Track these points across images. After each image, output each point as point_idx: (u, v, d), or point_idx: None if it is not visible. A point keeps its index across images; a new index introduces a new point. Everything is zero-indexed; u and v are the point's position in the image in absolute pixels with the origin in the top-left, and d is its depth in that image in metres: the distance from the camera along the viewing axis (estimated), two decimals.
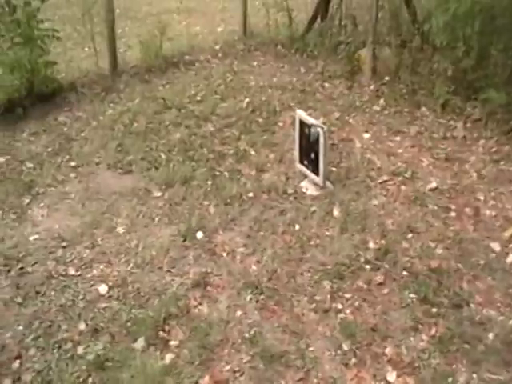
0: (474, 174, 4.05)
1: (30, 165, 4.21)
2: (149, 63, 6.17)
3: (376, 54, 5.65)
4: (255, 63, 6.39)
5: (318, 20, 6.74)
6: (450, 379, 2.51)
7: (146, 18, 8.09)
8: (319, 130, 3.78)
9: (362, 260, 3.23)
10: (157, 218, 3.59)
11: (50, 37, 5.65)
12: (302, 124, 3.97)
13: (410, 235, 3.43)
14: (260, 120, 4.91)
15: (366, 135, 4.61)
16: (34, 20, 5.56)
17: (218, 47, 6.87)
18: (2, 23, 5.52)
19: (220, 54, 6.65)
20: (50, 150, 4.42)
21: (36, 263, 3.20)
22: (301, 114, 4.03)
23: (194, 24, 7.75)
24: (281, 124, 4.84)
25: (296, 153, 4.09)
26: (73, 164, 4.20)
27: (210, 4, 9.02)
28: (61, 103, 5.27)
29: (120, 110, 5.04)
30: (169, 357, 2.62)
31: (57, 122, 4.91)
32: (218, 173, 4.08)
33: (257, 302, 2.96)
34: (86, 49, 6.51)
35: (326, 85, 5.64)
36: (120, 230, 3.48)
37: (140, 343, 2.68)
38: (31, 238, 3.41)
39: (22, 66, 5.38)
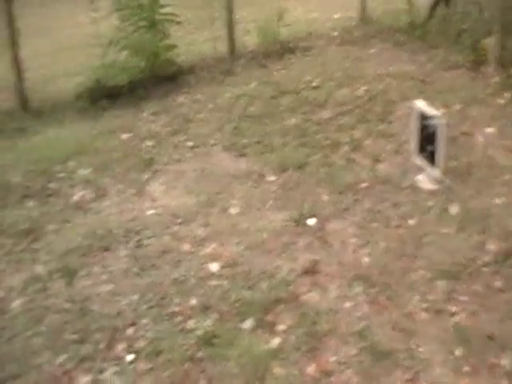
0: None
1: (150, 143, 4.39)
2: (266, 48, 6.23)
3: (503, 44, 5.30)
4: (373, 50, 6.24)
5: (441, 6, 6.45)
6: None
7: (264, 3, 8.13)
8: (438, 121, 3.61)
9: (481, 262, 3.05)
10: (269, 202, 3.61)
11: (171, 21, 5.85)
12: (421, 115, 3.81)
13: None
14: (377, 109, 4.79)
15: (489, 130, 4.34)
16: (157, 5, 5.79)
17: (335, 34, 6.79)
18: (128, 8, 5.78)
19: (337, 41, 6.57)
20: (168, 129, 4.58)
21: (152, 237, 3.34)
22: (419, 104, 3.87)
23: (311, 10, 7.70)
24: (398, 114, 4.68)
25: (413, 144, 3.94)
26: (190, 144, 4.33)
27: None
28: (180, 85, 5.45)
29: (237, 94, 5.12)
30: (275, 341, 2.62)
31: (176, 103, 5.08)
32: (332, 160, 4.03)
33: (367, 295, 2.88)
34: (205, 33, 6.66)
35: (447, 75, 5.39)
36: (233, 211, 3.53)
37: (248, 324, 2.71)
38: (149, 213, 3.56)
39: (144, 49, 5.62)
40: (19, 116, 5.26)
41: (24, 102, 5.45)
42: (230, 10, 6.30)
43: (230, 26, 6.28)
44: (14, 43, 5.40)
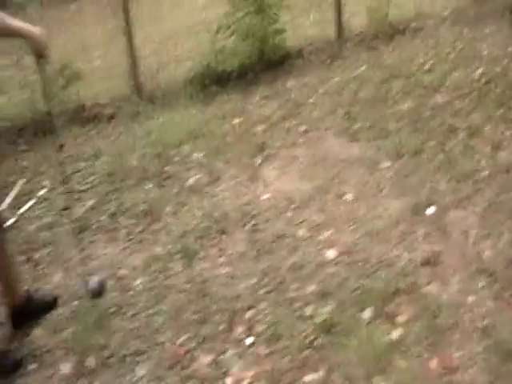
0: None
1: (262, 127, 4.42)
2: (374, 30, 6.06)
3: None
4: (487, 31, 5.91)
5: None
6: None
7: None
8: None
9: None
10: (385, 189, 3.53)
11: (279, 5, 5.83)
12: None
13: None
14: (495, 92, 4.54)
15: None
16: None
17: (446, 13, 6.48)
18: None
19: (448, 21, 6.27)
20: (279, 113, 4.59)
21: (268, 221, 3.37)
22: None
23: None
24: None
25: None
26: (302, 129, 4.32)
27: None
28: (289, 69, 5.44)
29: (347, 78, 5.04)
30: (396, 333, 2.57)
31: (285, 88, 5.07)
32: (449, 147, 3.87)
33: (490, 290, 2.75)
34: (312, 16, 6.58)
35: None
36: (348, 197, 3.49)
37: (367, 314, 2.67)
38: (263, 198, 3.60)
39: (254, 34, 5.65)
40: (134, 101, 5.47)
41: (138, 88, 5.67)
42: None
43: (338, 8, 6.17)
44: (128, 31, 5.61)
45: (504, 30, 5.83)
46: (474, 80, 4.76)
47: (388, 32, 6.00)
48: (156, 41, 6.89)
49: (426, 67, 5.09)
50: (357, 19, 6.41)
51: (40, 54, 2.70)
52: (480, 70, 4.90)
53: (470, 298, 2.72)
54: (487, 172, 3.58)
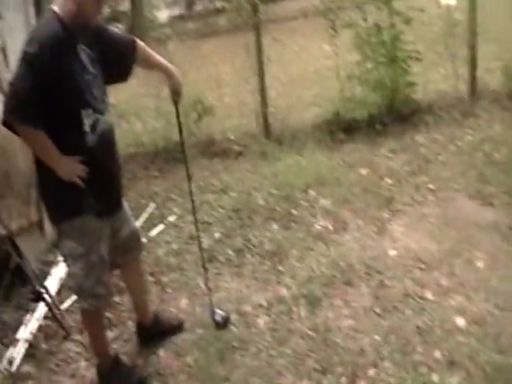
0: None
1: (389, 181, 4.43)
2: (510, 89, 5.89)
3: None
4: None
5: None
6: None
7: (505, 39, 7.69)
8: None
9: None
10: None
11: (412, 58, 5.83)
12: None
13: None
14: None
15: None
16: (398, 41, 5.81)
17: None
18: (369, 44, 5.89)
19: None
20: (408, 168, 4.58)
21: (394, 278, 3.35)
22: None
23: None
24: None
25: None
26: (431, 186, 4.27)
27: None
28: (418, 123, 5.42)
29: (479, 137, 4.94)
30: None
31: (414, 142, 5.05)
32: None
33: None
34: (442, 70, 6.52)
35: None
36: (479, 264, 3.40)
37: None
38: (390, 253, 3.59)
39: (384, 85, 5.69)
40: (262, 141, 5.67)
41: (266, 128, 5.88)
42: (472, 47, 6.09)
43: (472, 63, 6.06)
44: (260, 71, 5.85)
45: None
46: None
47: None
48: (284, 83, 7.13)
49: None
50: (491, 77, 6.26)
51: (175, 90, 2.97)
52: None
53: None
54: None
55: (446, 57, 6.21)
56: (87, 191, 2.57)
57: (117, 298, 3.49)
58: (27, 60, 2.38)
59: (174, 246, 4.14)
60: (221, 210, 4.53)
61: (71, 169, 2.52)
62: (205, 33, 10.52)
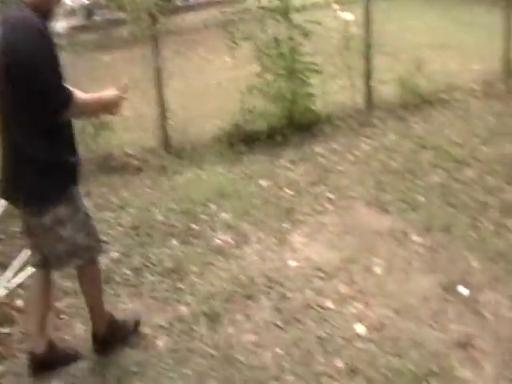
0: None
1: (289, 192, 4.42)
2: (404, 100, 6.12)
3: None
4: None
5: None
6: None
7: (400, 52, 8.04)
8: None
9: None
10: (415, 264, 3.47)
11: (310, 70, 5.93)
12: None
13: None
14: None
15: None
16: (297, 54, 5.89)
17: (475, 86, 6.54)
18: (268, 56, 5.94)
19: (478, 94, 6.32)
20: (307, 179, 4.60)
21: (295, 290, 3.31)
22: None
23: (448, 61, 7.49)
24: None
25: None
26: (330, 196, 4.31)
27: (464, 39, 8.62)
28: (317, 134, 5.48)
29: (375, 146, 5.07)
30: None
31: (313, 152, 5.10)
32: (480, 224, 3.83)
33: None
34: (340, 82, 6.67)
35: None
36: (377, 270, 3.44)
37: None
38: (291, 264, 3.55)
39: (283, 97, 5.73)
40: (161, 155, 5.51)
41: (166, 142, 5.72)
42: (367, 59, 6.29)
43: (367, 75, 6.26)
44: (158, 83, 5.71)
45: None
46: (506, 156, 4.75)
47: (417, 102, 6.05)
48: (185, 95, 7.02)
49: (455, 140, 5.11)
50: (386, 88, 6.47)
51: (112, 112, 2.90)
52: (511, 146, 4.90)
53: None
54: None
55: (343, 69, 6.36)
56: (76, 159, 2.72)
57: (6, 329, 3.23)
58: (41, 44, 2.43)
59: (68, 270, 3.88)
60: (119, 227, 4.32)
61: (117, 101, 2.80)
62: (104, 44, 10.22)
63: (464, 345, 2.85)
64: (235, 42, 5.77)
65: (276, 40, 5.81)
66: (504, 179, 4.38)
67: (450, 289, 3.23)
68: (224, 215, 4.22)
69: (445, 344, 2.86)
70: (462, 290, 3.21)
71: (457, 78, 6.77)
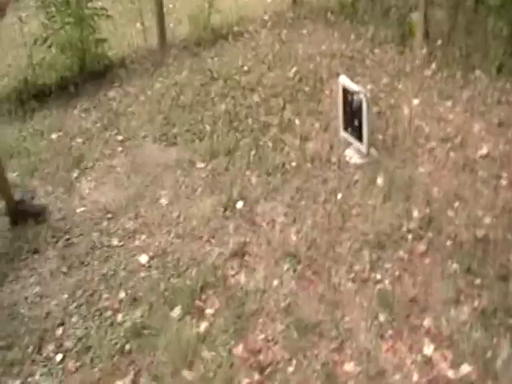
0: None
1: (80, 140, 4.33)
2: (197, 36, 6.17)
3: (428, 17, 5.40)
4: (304, 31, 6.25)
5: None
6: (489, 353, 2.41)
7: None
8: (362, 96, 3.67)
9: (405, 229, 3.14)
10: (199, 189, 3.61)
11: (100, 15, 5.74)
12: (345, 91, 3.87)
13: (456, 204, 3.30)
14: (306, 89, 4.82)
15: (416, 101, 4.43)
16: (84, 0, 5.67)
17: (266, 17, 6.76)
18: (53, 4, 5.64)
19: (269, 24, 6.54)
20: (98, 125, 4.51)
21: (81, 235, 3.31)
22: (344, 80, 3.92)
23: None
24: (327, 92, 4.73)
25: (340, 120, 4.00)
26: (120, 138, 4.28)
27: None
28: (111, 79, 5.36)
29: (168, 84, 5.08)
30: (204, 325, 2.65)
31: (107, 98, 5.00)
32: (261, 143, 4.05)
33: (294, 271, 2.94)
34: (138, 25, 6.56)
35: (376, 51, 5.45)
36: (163, 201, 3.53)
37: (176, 312, 2.73)
38: (78, 211, 3.52)
39: (73, 45, 5.51)
40: None
41: None
42: (158, 1, 6.23)
43: (160, 16, 6.19)
44: None
45: (319, 30, 6.20)
46: (288, 78, 5.01)
47: (210, 38, 6.13)
48: None
49: (245, 69, 5.28)
50: (181, 27, 6.48)
51: None
52: (294, 69, 5.17)
53: (275, 282, 2.88)
54: (295, 163, 3.80)
55: (138, 13, 6.25)
56: None
57: None
58: None
59: None
60: None
61: None
62: None
63: (239, 253, 3.06)
64: None
65: None
66: (285, 99, 4.64)
67: (229, 206, 3.42)
68: (11, 175, 4.03)
69: (222, 256, 3.05)
70: (240, 205, 3.42)
71: (250, 11, 6.95)
